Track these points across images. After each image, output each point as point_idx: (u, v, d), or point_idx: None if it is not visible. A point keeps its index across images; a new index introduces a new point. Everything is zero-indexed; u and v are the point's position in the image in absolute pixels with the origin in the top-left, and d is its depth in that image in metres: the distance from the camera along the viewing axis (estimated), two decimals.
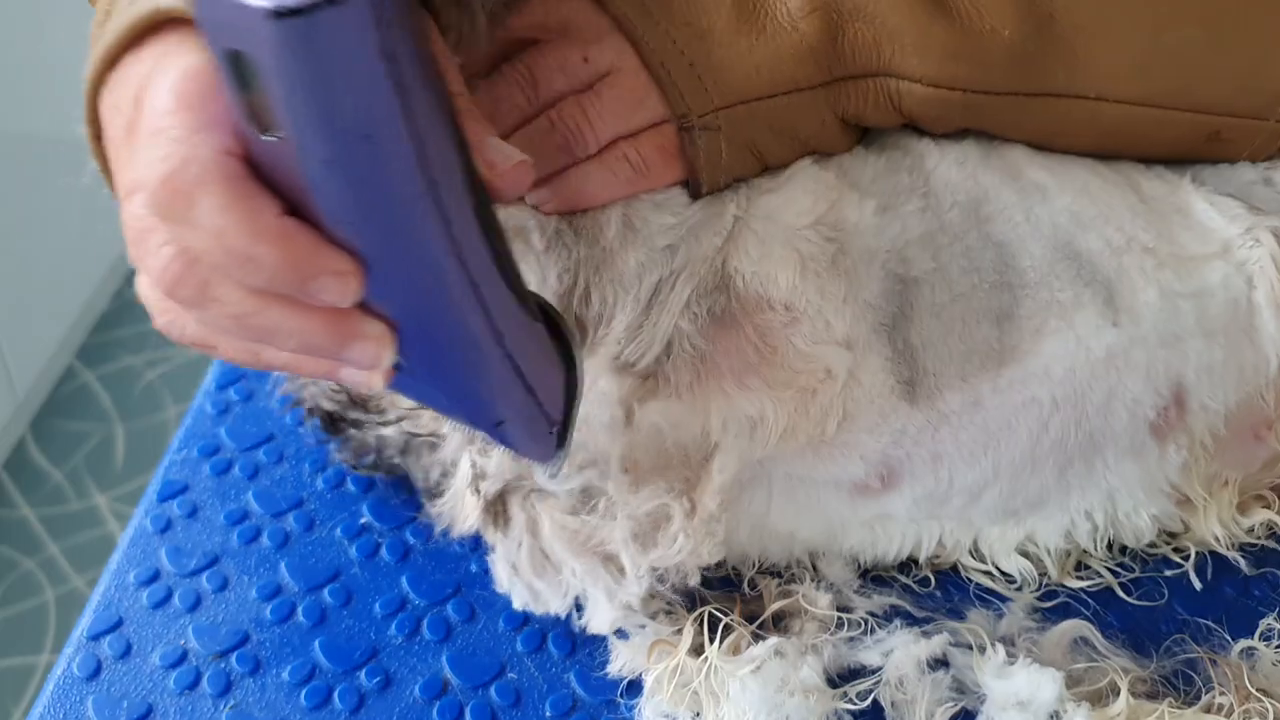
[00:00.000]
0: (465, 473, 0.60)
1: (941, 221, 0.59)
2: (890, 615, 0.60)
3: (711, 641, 0.57)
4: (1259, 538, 0.65)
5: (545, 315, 0.47)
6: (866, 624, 0.60)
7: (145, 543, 0.64)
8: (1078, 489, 0.62)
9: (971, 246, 0.58)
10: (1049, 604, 0.62)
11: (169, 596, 0.61)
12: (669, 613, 0.59)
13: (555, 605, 0.60)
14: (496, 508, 0.59)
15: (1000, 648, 0.58)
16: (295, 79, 0.33)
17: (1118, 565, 0.64)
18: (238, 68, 0.34)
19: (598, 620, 0.59)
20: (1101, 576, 0.63)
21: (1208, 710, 0.57)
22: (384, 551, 0.64)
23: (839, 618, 0.60)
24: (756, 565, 0.63)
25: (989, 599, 0.62)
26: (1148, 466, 0.62)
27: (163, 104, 0.38)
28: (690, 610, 0.59)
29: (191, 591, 0.62)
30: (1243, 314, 0.60)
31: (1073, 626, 0.60)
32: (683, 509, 0.57)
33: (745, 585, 0.62)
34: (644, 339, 0.57)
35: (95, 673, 0.58)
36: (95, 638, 0.60)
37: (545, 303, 0.48)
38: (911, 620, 0.60)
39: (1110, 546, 0.64)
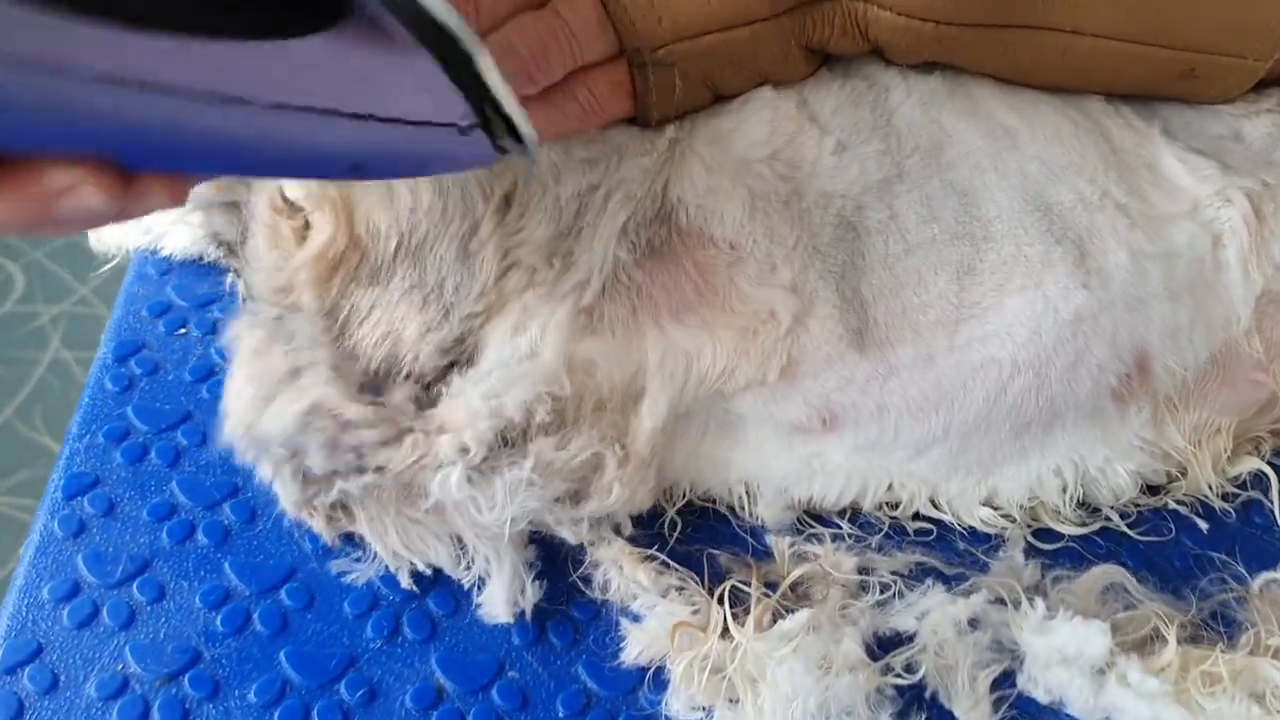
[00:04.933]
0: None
1: (901, 168, 0.55)
2: (917, 574, 0.56)
3: (736, 619, 0.51)
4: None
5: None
6: (894, 586, 0.55)
7: (56, 550, 0.52)
8: (1035, 451, 0.58)
9: (932, 195, 0.54)
10: (1052, 545, 0.58)
11: (95, 613, 0.51)
12: (680, 588, 0.53)
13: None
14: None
15: (1039, 602, 0.54)
16: None
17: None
18: None
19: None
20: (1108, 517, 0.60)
21: (1254, 652, 0.54)
22: (348, 540, 0.55)
23: (864, 581, 0.55)
24: (686, 495, 0.58)
25: (986, 540, 0.58)
26: (1109, 428, 0.58)
27: None
28: (696, 576, 0.54)
29: (122, 605, 0.51)
30: (1208, 272, 0.57)
31: (1105, 573, 0.56)
32: (615, 457, 0.53)
33: (750, 548, 0.56)
34: (579, 267, 0.53)
35: (17, 715, 0.48)
36: (10, 671, 0.49)
37: None
38: (939, 577, 0.55)
39: (1084, 505, 0.60)
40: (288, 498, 0.51)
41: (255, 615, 0.52)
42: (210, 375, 0.60)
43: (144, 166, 0.33)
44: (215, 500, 0.55)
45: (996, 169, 0.55)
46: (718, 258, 0.54)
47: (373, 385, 0.53)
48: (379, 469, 0.50)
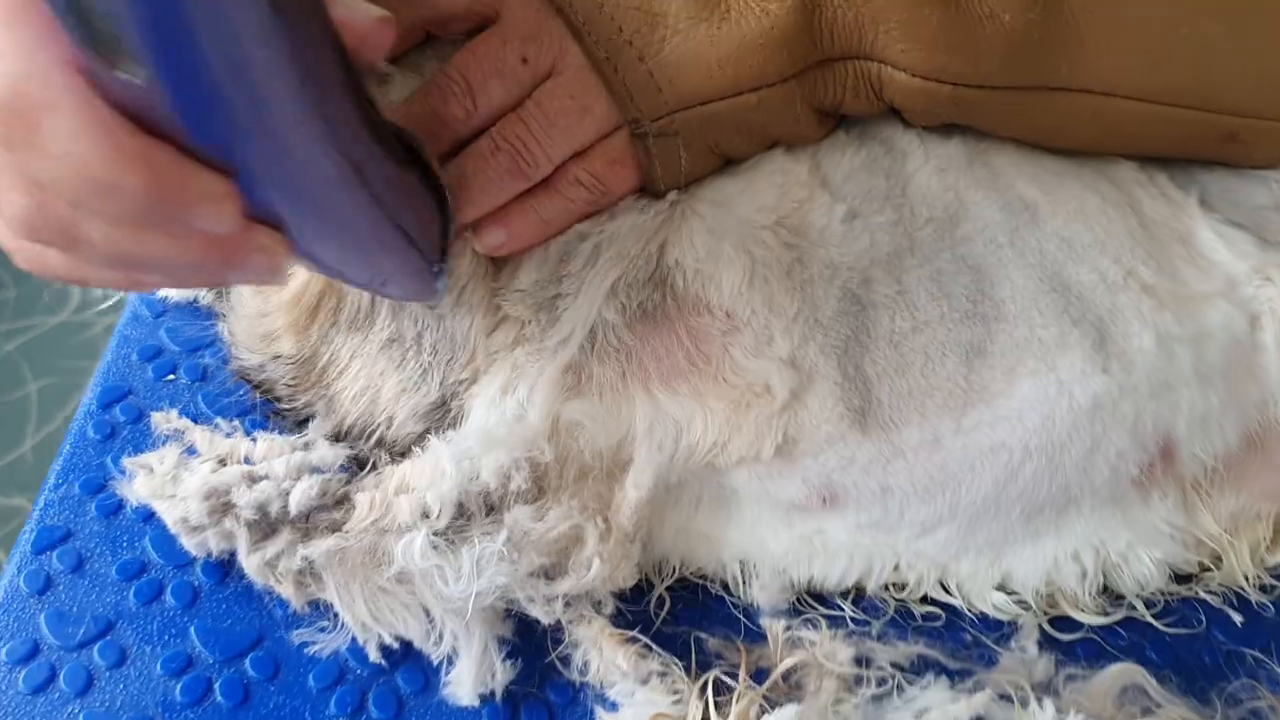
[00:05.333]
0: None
1: (913, 240, 0.52)
2: (919, 667, 0.52)
3: (720, 710, 0.49)
4: None
5: (409, 151, 0.44)
6: (893, 680, 0.51)
7: (20, 608, 0.50)
8: (1050, 534, 0.55)
9: (943, 270, 0.51)
10: (1072, 636, 0.55)
11: (52, 678, 0.48)
12: (663, 674, 0.50)
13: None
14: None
15: (1048, 703, 0.50)
16: (162, 19, 0.29)
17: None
18: (80, 11, 0.30)
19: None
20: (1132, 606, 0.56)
21: None
22: (318, 607, 0.53)
23: (860, 674, 0.52)
24: (676, 571, 0.55)
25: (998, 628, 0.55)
26: (1132, 513, 0.55)
27: None
28: (682, 663, 0.51)
29: (80, 670, 0.49)
30: (1244, 355, 0.54)
31: (1123, 672, 0.52)
32: (597, 530, 0.51)
33: (743, 630, 0.53)
34: (564, 322, 0.51)
35: None
36: None
37: (405, 133, 0.43)
38: (942, 671, 0.52)
39: (1105, 592, 0.56)
40: (248, 564, 0.49)
41: (217, 685, 0.50)
42: (196, 423, 0.58)
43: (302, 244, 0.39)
44: (187, 559, 0.53)
45: (1013, 245, 0.51)
46: (713, 325, 0.51)
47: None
48: (334, 529, 0.48)
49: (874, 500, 0.53)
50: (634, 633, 0.51)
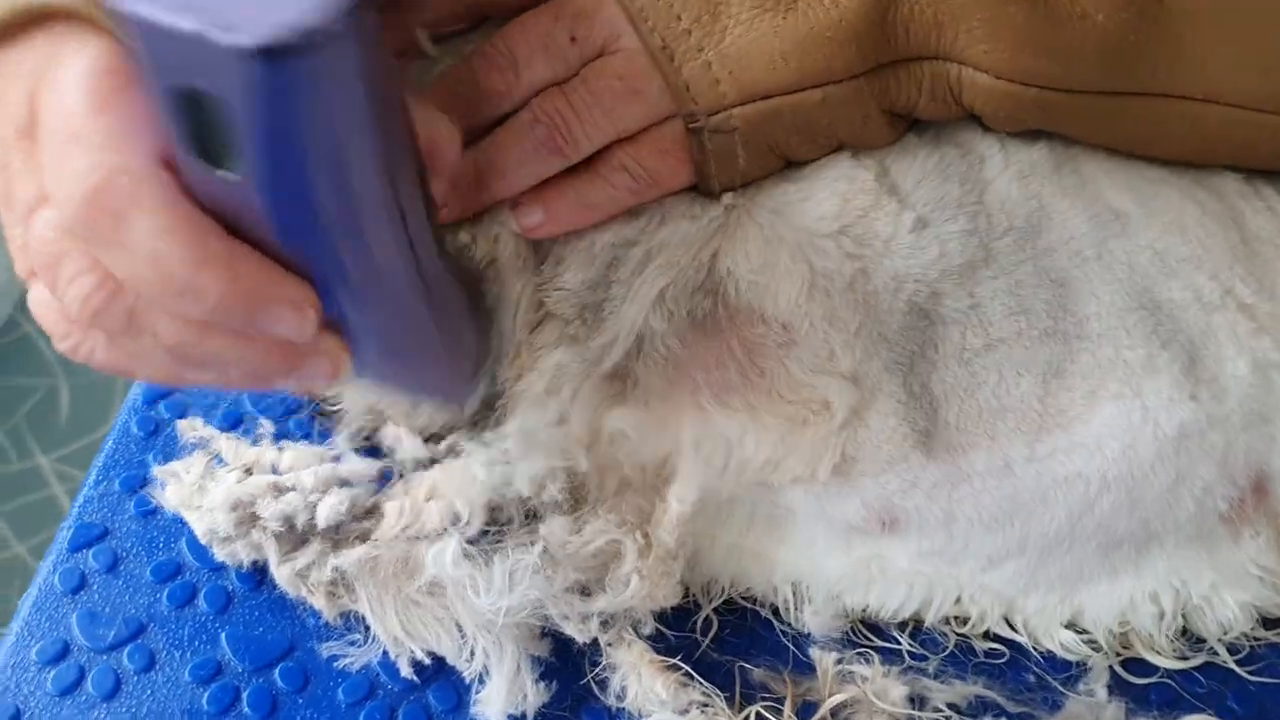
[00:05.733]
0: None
1: (989, 250, 0.48)
2: (976, 708, 0.49)
3: None
4: None
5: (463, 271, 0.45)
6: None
7: (53, 606, 0.50)
8: (1128, 571, 0.51)
9: (1022, 283, 0.48)
10: (1146, 680, 0.51)
11: (80, 680, 0.47)
12: (704, 705, 0.48)
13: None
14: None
15: None
16: (275, 119, 0.29)
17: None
18: (192, 107, 0.29)
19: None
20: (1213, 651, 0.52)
21: None
22: (350, 618, 0.51)
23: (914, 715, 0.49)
24: (725, 592, 0.52)
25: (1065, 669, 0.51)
26: (1217, 552, 0.51)
27: (73, 104, 0.32)
28: (725, 694, 0.48)
29: (109, 673, 0.48)
30: None
31: None
32: (636, 545, 0.49)
33: (792, 659, 0.51)
34: (609, 327, 0.48)
35: None
36: None
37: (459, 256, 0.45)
38: (1002, 714, 0.49)
39: (1185, 634, 0.52)
40: (279, 575, 0.48)
41: (245, 695, 0.48)
42: (239, 423, 0.56)
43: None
44: (222, 563, 0.52)
45: (1101, 258, 0.48)
46: (768, 338, 0.48)
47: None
48: (363, 538, 0.47)
49: (937, 527, 0.50)
50: (675, 660, 0.49)
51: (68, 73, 0.32)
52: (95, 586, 0.51)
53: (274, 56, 0.27)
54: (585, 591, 0.48)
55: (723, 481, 0.50)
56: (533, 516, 0.49)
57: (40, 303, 0.37)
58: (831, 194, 0.48)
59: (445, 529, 0.47)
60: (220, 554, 0.50)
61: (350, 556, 0.47)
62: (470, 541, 0.47)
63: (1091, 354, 0.47)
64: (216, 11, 0.26)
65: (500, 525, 0.48)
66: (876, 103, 0.46)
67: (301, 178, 0.31)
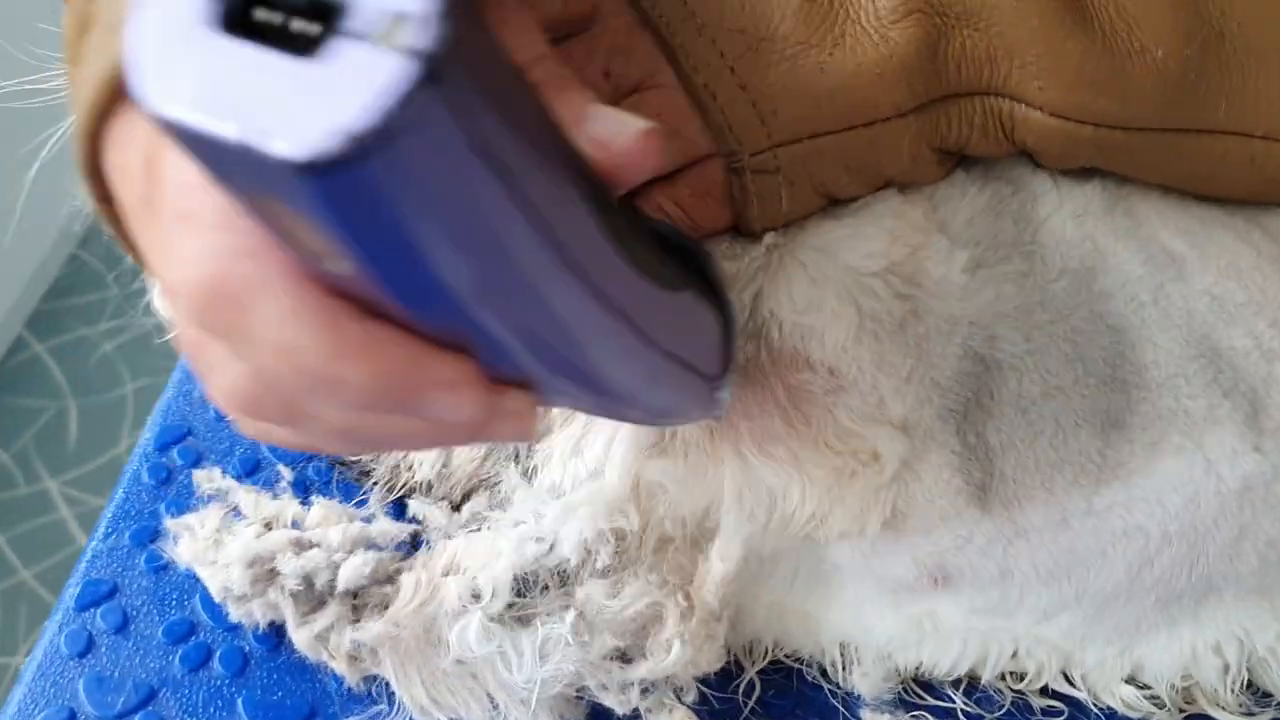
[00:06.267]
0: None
1: (1045, 293, 0.46)
2: None
3: None
4: None
5: (683, 259, 0.38)
6: None
7: (58, 672, 0.47)
8: (1187, 623, 0.49)
9: (1079, 328, 0.46)
10: None
11: None
12: None
13: None
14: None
15: None
16: (358, 225, 0.24)
17: None
18: (272, 213, 0.25)
19: None
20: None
21: None
22: (374, 683, 0.48)
23: None
24: (769, 654, 0.50)
25: None
26: (1278, 605, 0.49)
27: (186, 177, 0.28)
28: None
29: None
30: None
31: None
32: (678, 608, 0.46)
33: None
34: None
35: None
36: None
37: (676, 236, 0.38)
38: None
39: (1250, 688, 0.50)
40: (297, 638, 0.45)
41: None
42: (257, 470, 0.54)
43: (526, 374, 0.33)
44: (238, 622, 0.49)
45: (1158, 304, 0.46)
46: (814, 383, 0.46)
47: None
48: (384, 606, 0.44)
49: (992, 583, 0.48)
50: None
51: None
52: (103, 649, 0.49)
53: (334, 168, 0.21)
54: (624, 658, 0.45)
55: (765, 537, 0.47)
56: (566, 579, 0.46)
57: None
58: (879, 230, 0.46)
59: (465, 606, 0.44)
60: (235, 613, 0.48)
61: (370, 631, 0.45)
62: (492, 617, 0.44)
63: (1151, 404, 0.45)
64: (263, 111, 0.21)
65: (528, 594, 0.45)
66: (926, 140, 0.44)
67: (416, 263, 0.26)
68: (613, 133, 0.32)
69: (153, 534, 0.52)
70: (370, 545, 0.47)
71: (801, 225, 0.46)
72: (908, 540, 0.47)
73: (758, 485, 0.46)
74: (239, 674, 0.48)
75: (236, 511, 0.50)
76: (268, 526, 0.48)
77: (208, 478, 0.52)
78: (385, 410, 0.31)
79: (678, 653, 0.45)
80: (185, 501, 0.53)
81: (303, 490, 0.52)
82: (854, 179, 0.45)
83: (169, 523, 0.50)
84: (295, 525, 0.48)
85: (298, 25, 0.22)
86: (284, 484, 0.52)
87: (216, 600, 0.48)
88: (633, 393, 0.37)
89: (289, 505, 0.49)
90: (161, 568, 0.51)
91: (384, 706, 0.47)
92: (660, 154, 0.32)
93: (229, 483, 0.51)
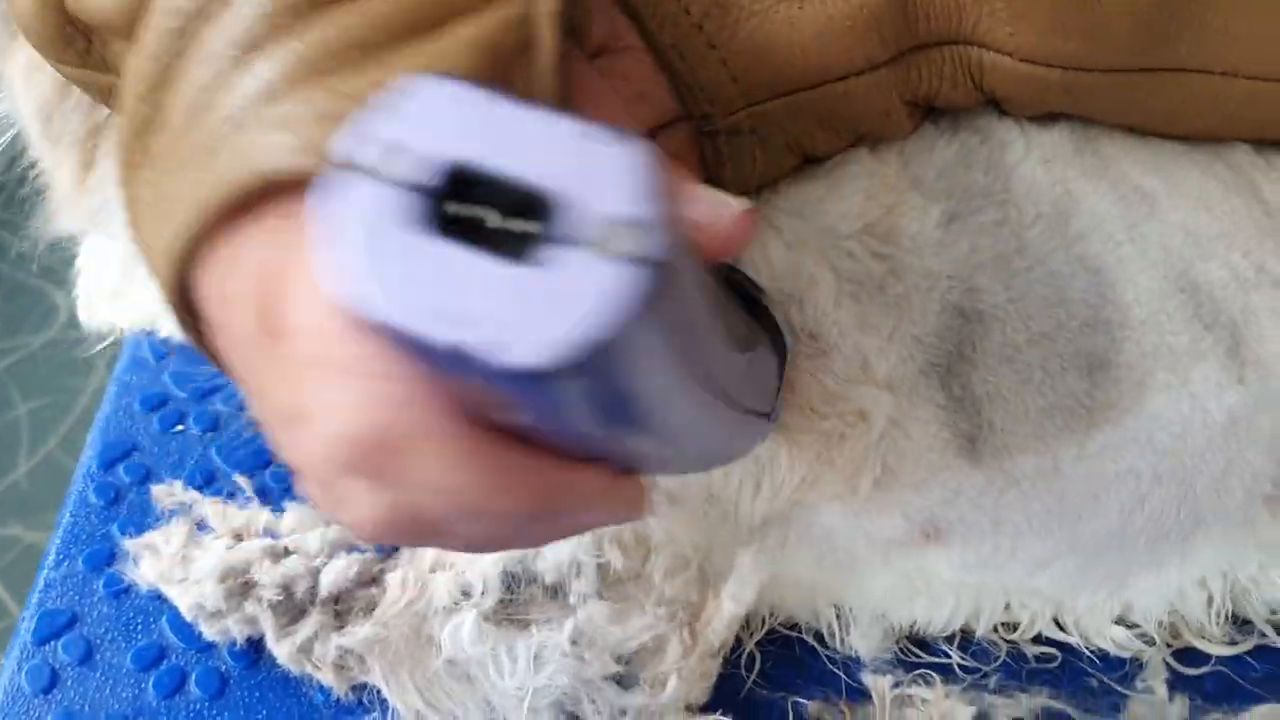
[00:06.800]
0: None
1: (1021, 241, 0.46)
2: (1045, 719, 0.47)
3: None
4: None
5: (749, 304, 0.40)
6: None
7: (22, 712, 0.44)
8: (1174, 561, 0.50)
9: (1058, 273, 0.45)
10: (1200, 670, 0.49)
11: None
12: None
13: None
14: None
15: None
16: (556, 410, 0.25)
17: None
18: (466, 386, 0.25)
19: None
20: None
21: None
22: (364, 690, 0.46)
23: None
24: (766, 623, 0.50)
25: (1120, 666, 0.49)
26: (1263, 534, 0.50)
27: (328, 321, 0.26)
28: None
29: None
30: None
31: (1271, 713, 0.47)
32: (681, 644, 0.45)
33: (844, 687, 0.47)
34: None
35: None
36: None
37: (747, 287, 0.40)
38: None
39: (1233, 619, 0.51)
40: (278, 651, 0.43)
41: None
42: (211, 482, 0.52)
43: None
44: (210, 643, 0.47)
45: (1134, 241, 0.45)
46: (796, 348, 0.45)
47: None
48: (369, 609, 0.42)
49: (984, 535, 0.47)
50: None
51: (315, 278, 0.27)
52: (69, 682, 0.46)
53: (560, 374, 0.22)
54: (620, 681, 0.44)
55: (755, 505, 0.46)
56: (558, 592, 0.45)
57: (315, 496, 0.32)
58: (853, 190, 0.45)
59: (456, 603, 0.43)
60: (209, 632, 0.46)
61: (356, 635, 0.43)
62: (486, 617, 0.43)
63: (1135, 343, 0.45)
64: (492, 321, 0.21)
65: (520, 594, 0.44)
66: (898, 92, 0.43)
67: (593, 420, 0.27)
68: (714, 216, 0.31)
69: (108, 557, 0.49)
70: (352, 548, 0.45)
71: (775, 189, 0.45)
72: (898, 497, 0.46)
73: (745, 457, 0.45)
74: (218, 695, 0.46)
75: (202, 525, 0.47)
76: (238, 538, 0.46)
77: (167, 492, 0.50)
78: (530, 524, 0.30)
79: (674, 689, 0.44)
80: (140, 520, 0.50)
81: (264, 497, 0.50)
82: (829, 135, 0.44)
83: (128, 543, 0.48)
84: (269, 533, 0.46)
85: (505, 223, 0.22)
86: (248, 493, 0.49)
87: (188, 619, 0.46)
88: (718, 453, 0.39)
89: (259, 513, 0.46)
90: (122, 591, 0.48)
91: (376, 715, 0.45)
92: (751, 232, 0.32)
93: (192, 495, 0.49)
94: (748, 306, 0.41)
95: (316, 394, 0.27)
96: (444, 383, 0.26)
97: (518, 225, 0.22)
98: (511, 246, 0.21)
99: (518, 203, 0.22)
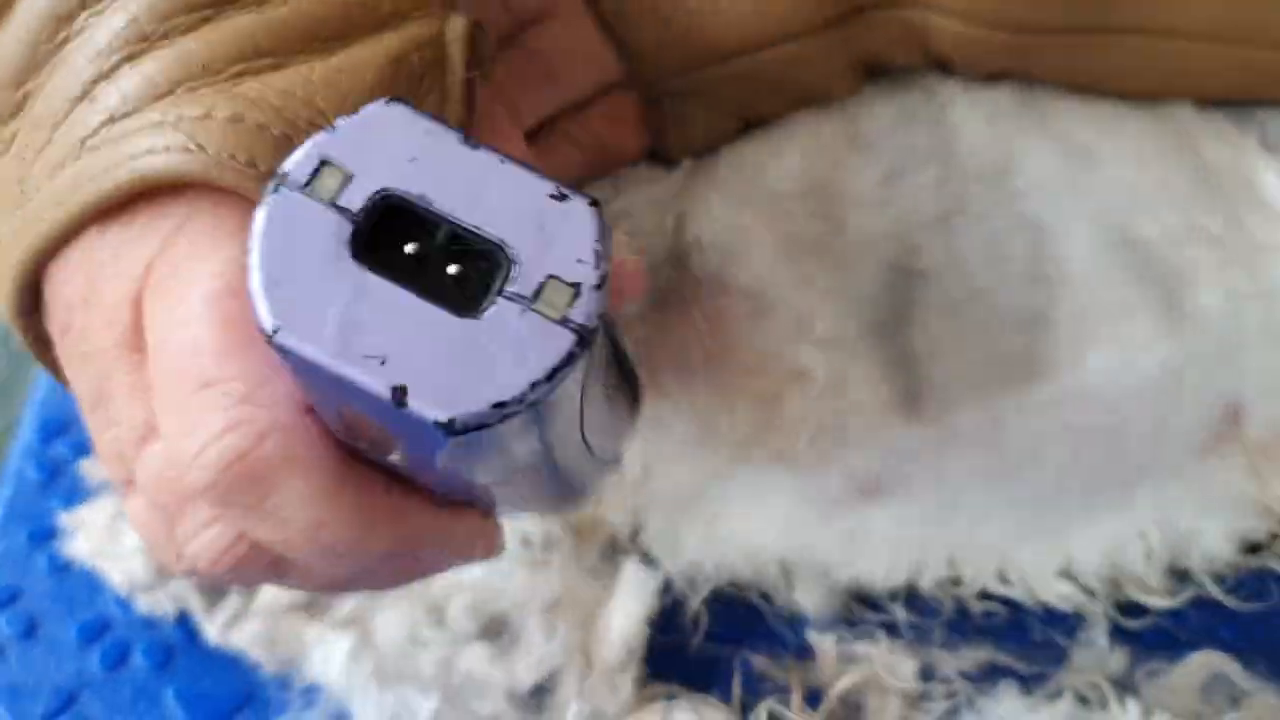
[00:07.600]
0: None
1: (962, 199, 0.46)
2: (988, 673, 0.47)
3: None
4: None
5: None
6: (962, 692, 0.46)
7: None
8: (1113, 513, 0.50)
9: (998, 229, 0.46)
10: (1141, 623, 0.50)
11: None
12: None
13: None
14: None
15: (1131, 704, 0.45)
16: (458, 465, 0.25)
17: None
18: (352, 417, 0.23)
19: None
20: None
21: None
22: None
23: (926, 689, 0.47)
24: (710, 582, 0.50)
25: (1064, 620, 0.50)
26: (1196, 485, 0.50)
27: (200, 338, 0.25)
28: (725, 686, 0.46)
29: None
30: None
31: (1205, 661, 0.48)
32: (575, 669, 0.45)
33: (791, 644, 0.48)
34: None
35: None
36: None
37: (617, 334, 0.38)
38: (1015, 677, 0.47)
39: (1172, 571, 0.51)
40: (209, 630, 0.44)
41: None
42: None
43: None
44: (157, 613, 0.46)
45: (1073, 197, 0.46)
46: (733, 308, 0.45)
47: None
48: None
49: (925, 491, 0.48)
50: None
51: (188, 289, 0.26)
52: (13, 657, 0.46)
53: (469, 429, 0.21)
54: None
55: (696, 465, 0.47)
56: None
57: (142, 517, 0.30)
58: (795, 149, 0.46)
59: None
60: (146, 604, 0.45)
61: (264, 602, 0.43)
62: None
63: (1073, 298, 0.46)
64: (409, 365, 0.21)
65: None
66: (844, 57, 0.44)
67: (476, 479, 0.27)
68: (627, 265, 0.32)
69: (49, 532, 0.49)
70: None
71: (718, 149, 0.46)
72: (838, 454, 0.46)
73: (684, 415, 0.46)
74: (163, 666, 0.46)
75: None
76: None
77: (95, 466, 0.49)
78: (390, 563, 0.29)
79: (575, 713, 0.44)
80: (78, 494, 0.50)
81: None
82: (775, 98, 0.44)
83: (64, 518, 0.47)
84: None
85: (441, 264, 0.21)
86: None
87: (121, 593, 0.46)
88: (578, 494, 0.38)
89: None
90: (64, 566, 0.48)
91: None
92: (643, 288, 0.33)
93: None
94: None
95: (177, 411, 0.26)
96: (321, 413, 0.25)
97: (454, 268, 0.21)
98: (443, 289, 0.21)
99: (457, 246, 0.21)
